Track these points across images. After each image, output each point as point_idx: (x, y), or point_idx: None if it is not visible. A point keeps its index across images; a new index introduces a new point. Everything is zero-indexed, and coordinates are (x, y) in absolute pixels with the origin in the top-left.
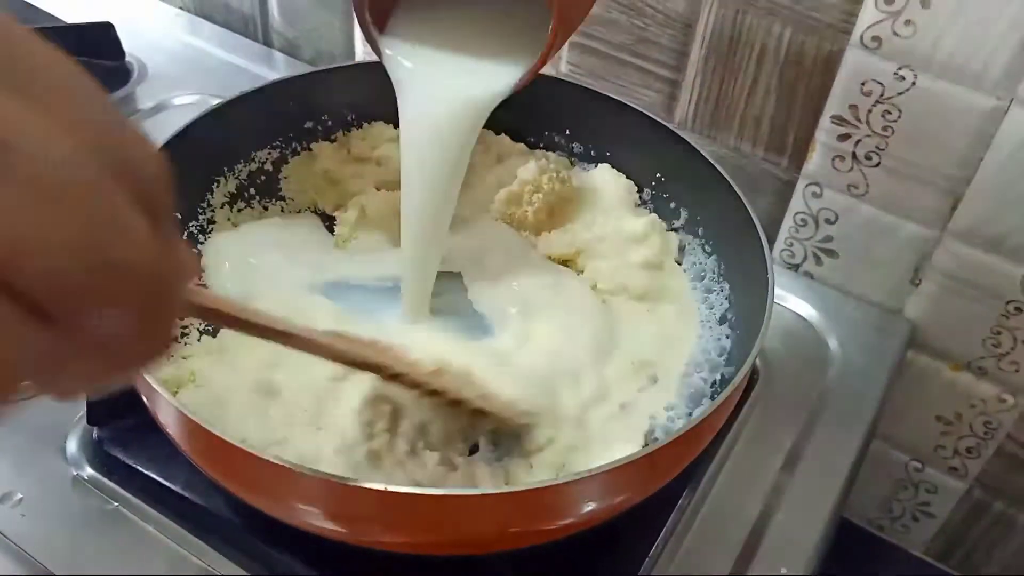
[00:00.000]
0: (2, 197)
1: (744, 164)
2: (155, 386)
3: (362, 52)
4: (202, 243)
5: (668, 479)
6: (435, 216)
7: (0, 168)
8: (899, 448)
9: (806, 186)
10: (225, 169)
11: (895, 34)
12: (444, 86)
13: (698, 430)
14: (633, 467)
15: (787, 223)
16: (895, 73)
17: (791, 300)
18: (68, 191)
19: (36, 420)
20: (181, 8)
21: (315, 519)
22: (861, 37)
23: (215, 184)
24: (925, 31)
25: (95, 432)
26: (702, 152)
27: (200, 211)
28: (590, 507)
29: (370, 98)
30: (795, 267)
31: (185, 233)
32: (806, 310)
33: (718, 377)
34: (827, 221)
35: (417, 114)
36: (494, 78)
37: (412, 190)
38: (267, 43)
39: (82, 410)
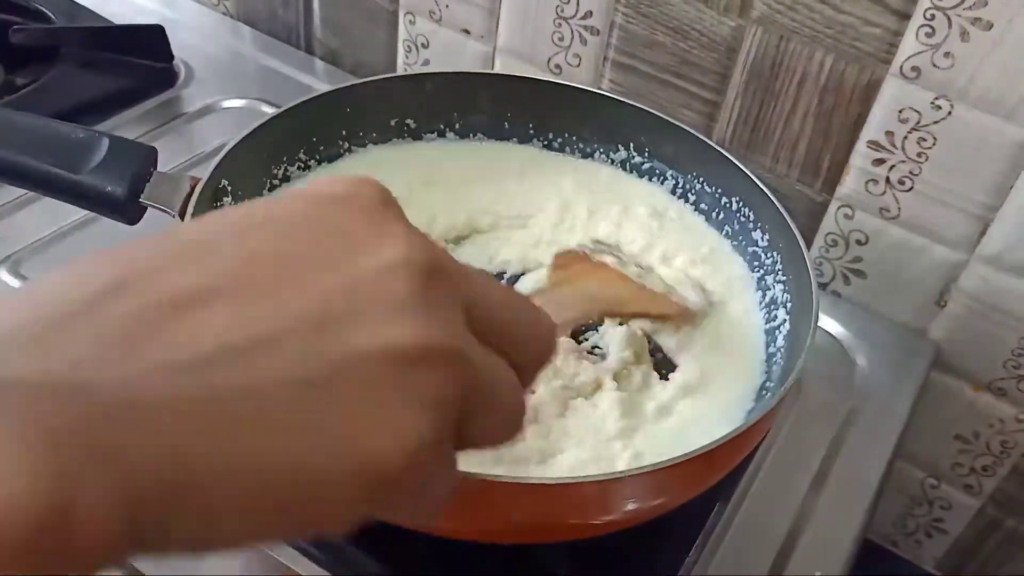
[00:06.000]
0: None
1: (778, 184)
2: None
3: (403, 63)
4: None
5: (707, 485)
6: None
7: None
8: (916, 465)
9: (838, 208)
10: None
11: (934, 65)
12: None
13: (743, 437)
14: (678, 468)
15: (818, 243)
16: (932, 102)
17: (821, 318)
18: None
19: None
20: (225, 14)
21: None
22: (901, 67)
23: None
24: (963, 64)
25: None
26: (750, 174)
27: None
28: (632, 506)
29: None
30: (823, 286)
31: None
32: (834, 328)
33: None
34: (857, 242)
35: None
36: None
37: None
38: (309, 51)
39: None
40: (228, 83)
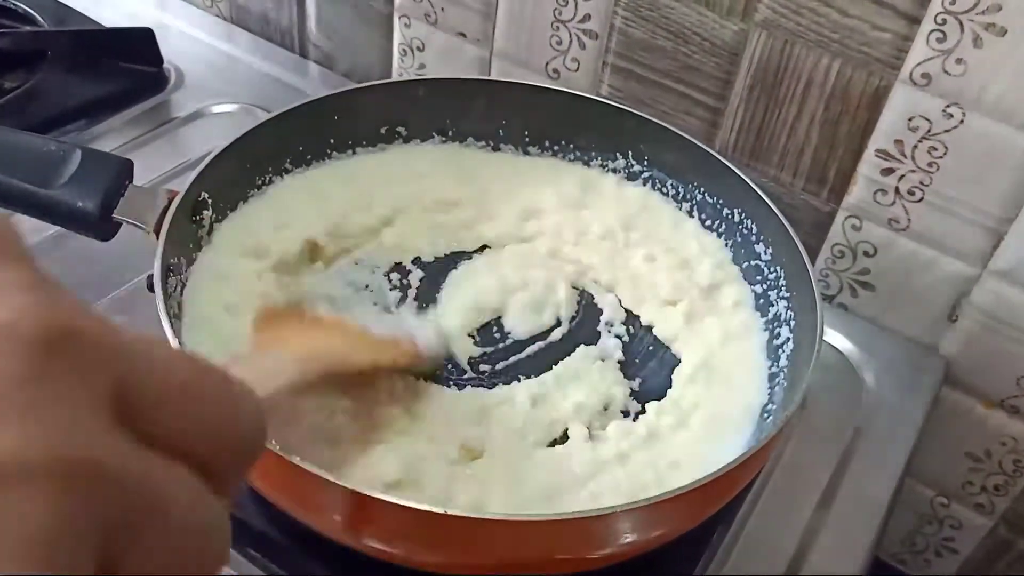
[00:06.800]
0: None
1: (782, 194)
2: None
3: (398, 67)
4: None
5: (707, 515)
6: None
7: None
8: (926, 483)
9: (846, 218)
10: None
11: (945, 72)
12: None
13: (742, 468)
14: (677, 500)
15: (824, 254)
16: (943, 110)
17: (827, 332)
18: None
19: None
20: (218, 17)
21: (352, 533)
22: (911, 74)
23: None
24: (976, 71)
25: None
26: (753, 186)
27: None
28: (630, 538)
29: None
30: (830, 298)
31: None
32: (841, 342)
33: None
34: (865, 254)
35: None
36: None
37: None
38: (303, 54)
39: None
40: (219, 87)
